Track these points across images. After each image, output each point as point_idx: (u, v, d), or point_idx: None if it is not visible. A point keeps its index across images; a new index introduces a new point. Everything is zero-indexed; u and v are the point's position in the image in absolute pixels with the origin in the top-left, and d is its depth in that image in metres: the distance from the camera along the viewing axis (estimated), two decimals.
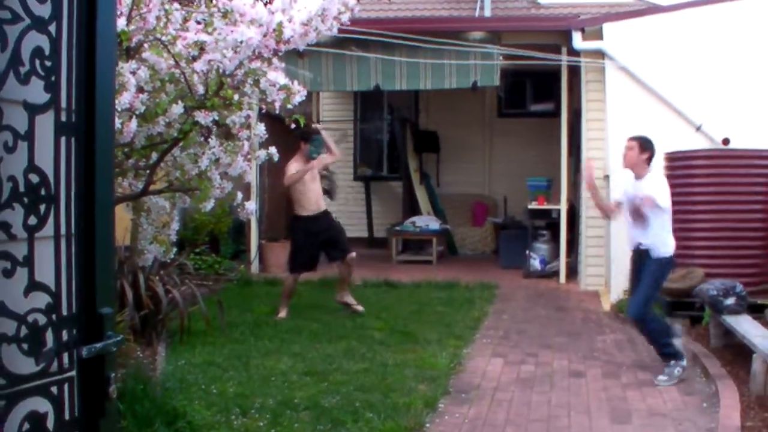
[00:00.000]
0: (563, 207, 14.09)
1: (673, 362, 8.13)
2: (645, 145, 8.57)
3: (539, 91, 18.69)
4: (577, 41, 13.23)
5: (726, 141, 12.07)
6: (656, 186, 8.39)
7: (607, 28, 13.06)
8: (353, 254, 11.03)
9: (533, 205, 15.21)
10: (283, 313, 10.80)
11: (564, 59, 13.76)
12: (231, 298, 11.38)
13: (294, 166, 10.71)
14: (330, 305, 11.67)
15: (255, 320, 10.46)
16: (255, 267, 14.93)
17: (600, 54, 13.14)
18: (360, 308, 10.93)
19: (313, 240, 10.92)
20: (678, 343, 8.25)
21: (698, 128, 12.27)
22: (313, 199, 10.92)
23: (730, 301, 9.07)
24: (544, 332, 10.28)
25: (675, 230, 11.29)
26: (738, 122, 12.05)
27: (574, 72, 14.06)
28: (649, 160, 8.56)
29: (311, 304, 11.88)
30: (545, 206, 15.01)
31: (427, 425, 6.68)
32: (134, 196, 6.79)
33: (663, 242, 8.47)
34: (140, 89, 5.94)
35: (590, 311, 11.58)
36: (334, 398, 7.19)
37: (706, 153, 11.57)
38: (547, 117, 17.57)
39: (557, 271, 14.39)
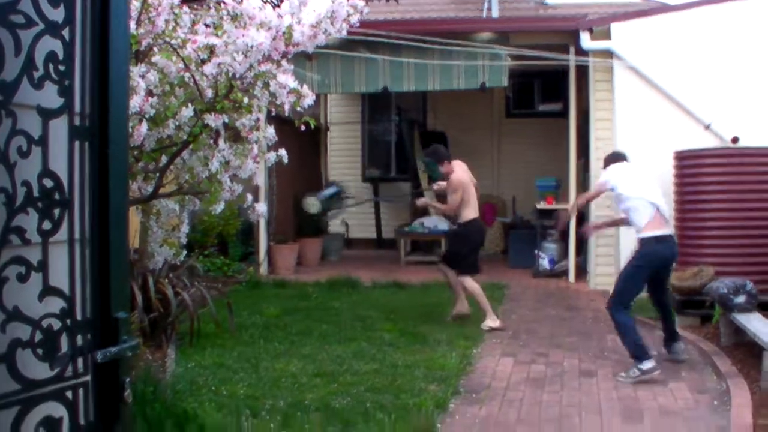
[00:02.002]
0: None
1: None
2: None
3: (547, 91, 18.68)
4: (585, 41, 13.22)
5: (735, 139, 12.06)
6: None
7: (615, 27, 13.05)
8: None
9: (542, 205, 15.21)
10: (493, 321, 10.58)
11: (572, 59, 13.75)
12: (240, 300, 11.39)
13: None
14: (337, 306, 11.68)
15: (264, 322, 10.47)
16: (264, 269, 14.94)
17: (608, 54, 13.13)
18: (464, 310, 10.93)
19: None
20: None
21: (707, 127, 12.26)
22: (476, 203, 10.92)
23: (741, 299, 9.06)
24: (554, 332, 10.26)
25: (685, 228, 11.33)
26: (747, 120, 12.04)
27: (583, 72, 14.04)
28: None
29: (320, 305, 11.88)
30: (554, 206, 15.01)
31: (438, 425, 6.66)
32: (144, 199, 6.79)
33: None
34: (150, 93, 5.95)
35: (600, 310, 11.52)
36: (345, 399, 7.19)
37: (715, 152, 11.56)
38: (556, 117, 17.57)
39: (566, 270, 14.38)
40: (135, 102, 5.66)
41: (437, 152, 10.93)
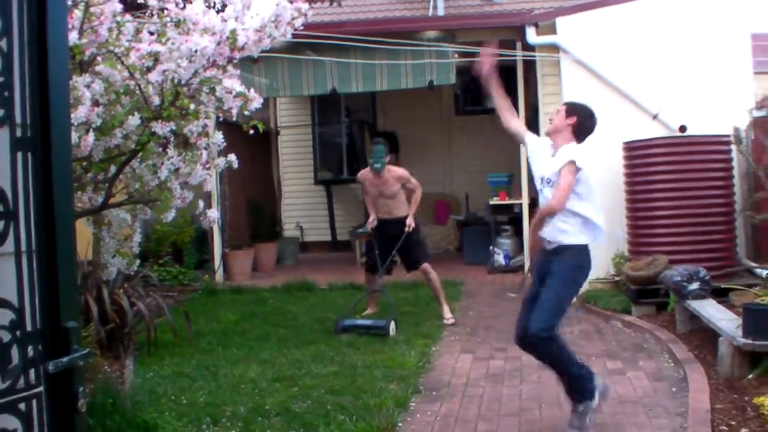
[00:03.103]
0: (525, 201, 14.14)
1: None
2: (572, 111, 6.66)
3: None
4: (531, 36, 13.28)
5: (683, 128, 12.17)
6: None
7: (561, 22, 13.12)
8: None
9: (495, 201, 15.27)
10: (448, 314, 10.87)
11: (519, 54, 13.82)
12: (197, 308, 11.35)
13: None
14: (294, 310, 11.67)
15: (222, 329, 10.43)
16: (219, 276, 14.89)
17: (554, 48, 13.20)
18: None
19: None
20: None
21: (655, 116, 12.36)
22: None
23: (694, 286, 9.16)
24: (511, 327, 10.13)
25: (637, 218, 11.43)
26: (694, 109, 12.15)
27: (530, 67, 14.11)
28: (576, 130, 6.52)
29: (277, 310, 11.85)
30: (507, 201, 15.09)
31: (400, 424, 6.68)
32: (94, 210, 6.74)
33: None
34: (96, 102, 5.91)
35: None
36: (305, 403, 7.18)
37: (663, 141, 11.66)
38: None
39: (522, 265, 14.44)
40: (81, 112, 5.61)
41: (387, 144, 11.00)
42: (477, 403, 7.32)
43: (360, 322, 10.20)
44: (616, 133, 11.89)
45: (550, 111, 13.41)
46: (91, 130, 5.80)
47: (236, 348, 9.40)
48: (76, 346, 2.46)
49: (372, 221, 10.82)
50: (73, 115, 5.42)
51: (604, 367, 8.29)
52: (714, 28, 12.43)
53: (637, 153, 11.53)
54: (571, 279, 6.38)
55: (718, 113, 11.85)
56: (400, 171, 10.83)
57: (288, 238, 18.35)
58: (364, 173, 10.97)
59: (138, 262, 8.01)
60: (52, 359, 2.38)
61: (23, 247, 2.32)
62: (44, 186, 2.39)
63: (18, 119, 2.32)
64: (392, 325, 9.81)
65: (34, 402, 2.34)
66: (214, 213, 7.10)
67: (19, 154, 2.32)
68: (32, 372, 2.33)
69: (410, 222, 10.53)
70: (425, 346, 9.29)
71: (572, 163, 6.14)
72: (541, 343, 6.21)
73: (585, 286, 11.70)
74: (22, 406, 2.29)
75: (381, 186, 10.70)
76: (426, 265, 10.75)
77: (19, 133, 2.32)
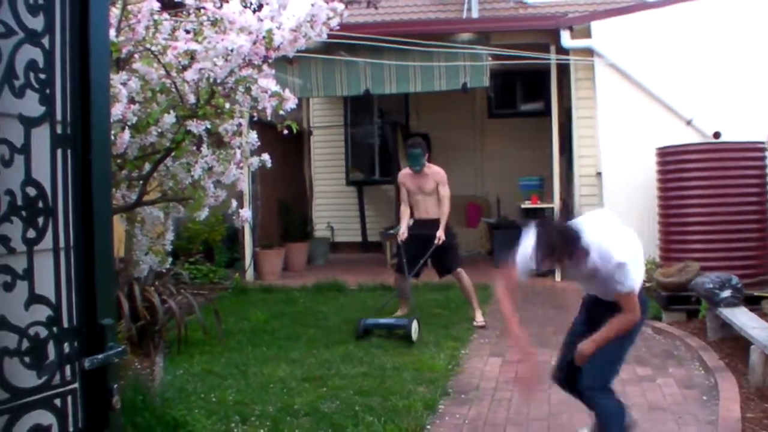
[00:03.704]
0: (556, 205, 14.12)
1: None
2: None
3: (529, 90, 18.70)
4: (566, 39, 13.26)
5: (717, 135, 12.11)
6: None
7: (596, 25, 13.10)
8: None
9: (526, 205, 15.24)
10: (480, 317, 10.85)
11: (553, 58, 13.79)
12: (227, 307, 11.38)
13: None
14: (325, 310, 11.68)
15: (252, 328, 10.46)
16: (250, 275, 14.92)
17: (589, 52, 13.18)
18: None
19: None
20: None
21: (689, 122, 12.31)
22: None
23: (726, 293, 9.09)
24: (541, 331, 10.27)
25: (669, 225, 11.36)
26: (728, 115, 12.10)
27: (564, 71, 14.08)
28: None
29: (307, 310, 11.87)
30: (538, 205, 15.05)
31: (428, 427, 6.67)
32: (128, 207, 6.77)
33: None
34: (132, 100, 5.93)
35: None
36: (334, 403, 7.19)
37: (697, 147, 11.61)
38: (538, 116, 17.57)
39: (553, 270, 14.38)
40: (117, 110, 5.64)
41: (424, 144, 10.98)
42: (506, 406, 7.30)
43: (382, 321, 10.13)
44: (649, 138, 11.85)
45: (583, 115, 13.43)
46: (127, 127, 5.83)
47: (266, 347, 9.42)
48: (112, 343, 2.48)
49: (403, 233, 10.76)
50: None
51: (634, 374, 8.25)
52: (750, 33, 12.36)
53: (670, 159, 11.47)
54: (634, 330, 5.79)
55: (753, 119, 11.78)
56: (439, 170, 10.80)
57: (319, 239, 18.37)
58: (404, 173, 10.96)
59: (170, 259, 8.03)
60: (88, 356, 2.40)
61: (61, 244, 2.33)
62: (83, 183, 2.41)
63: (59, 116, 2.34)
64: (414, 324, 9.69)
65: (69, 398, 2.36)
66: (246, 212, 7.11)
67: (59, 151, 2.34)
68: (68, 368, 2.35)
69: (440, 235, 10.47)
70: (454, 348, 9.28)
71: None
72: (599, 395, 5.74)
73: None
74: (57, 401, 2.31)
75: (421, 182, 10.68)
76: (459, 270, 10.74)
77: (59, 130, 2.34)
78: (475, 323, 10.60)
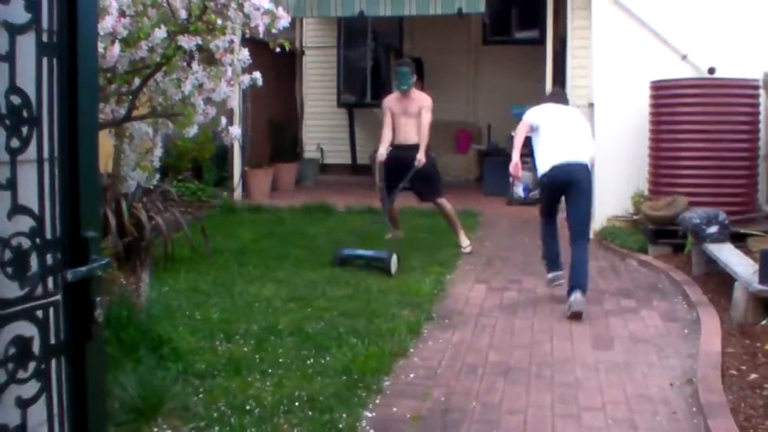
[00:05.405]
0: None
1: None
2: None
3: (525, 18, 18.56)
4: None
5: (712, 70, 12.02)
6: None
7: None
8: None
9: None
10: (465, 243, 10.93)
11: None
12: (215, 225, 11.36)
13: None
14: (312, 232, 11.70)
15: (239, 247, 10.48)
16: (238, 194, 14.92)
17: None
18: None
19: None
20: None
21: (684, 57, 12.20)
22: None
23: (713, 229, 9.11)
24: (527, 259, 10.31)
25: (660, 158, 11.34)
26: (724, 51, 11.98)
27: None
28: None
29: (295, 230, 11.88)
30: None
31: (411, 350, 6.72)
32: (117, 121, 6.71)
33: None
34: (122, 13, 5.85)
35: None
36: (318, 324, 7.22)
37: (692, 82, 11.54)
38: (533, 44, 17.42)
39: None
40: (107, 23, 5.56)
41: (413, 65, 10.91)
42: (489, 333, 7.35)
43: (360, 252, 9.91)
44: (644, 71, 11.77)
45: (578, 45, 13.33)
46: (117, 41, 5.76)
47: (252, 266, 9.44)
48: (95, 256, 2.46)
49: (381, 154, 10.70)
50: (99, 26, 5.37)
51: (618, 305, 8.30)
52: None
53: (664, 93, 11.41)
54: None
55: (749, 57, 11.69)
56: (426, 96, 10.74)
57: (308, 160, 18.35)
58: (390, 97, 10.90)
59: (158, 176, 8.00)
60: (71, 268, 2.38)
61: (45, 154, 2.30)
62: (69, 94, 2.38)
63: (45, 24, 2.29)
64: (394, 258, 9.50)
65: (51, 310, 2.35)
66: (236, 130, 7.08)
67: (45, 60, 2.30)
68: (50, 280, 2.34)
69: (420, 157, 10.40)
70: (440, 274, 9.32)
71: None
72: None
73: (602, 223, 11.73)
74: (39, 313, 2.30)
75: (407, 104, 10.61)
76: (440, 200, 10.72)
77: (45, 38, 2.30)
78: (462, 249, 10.63)
